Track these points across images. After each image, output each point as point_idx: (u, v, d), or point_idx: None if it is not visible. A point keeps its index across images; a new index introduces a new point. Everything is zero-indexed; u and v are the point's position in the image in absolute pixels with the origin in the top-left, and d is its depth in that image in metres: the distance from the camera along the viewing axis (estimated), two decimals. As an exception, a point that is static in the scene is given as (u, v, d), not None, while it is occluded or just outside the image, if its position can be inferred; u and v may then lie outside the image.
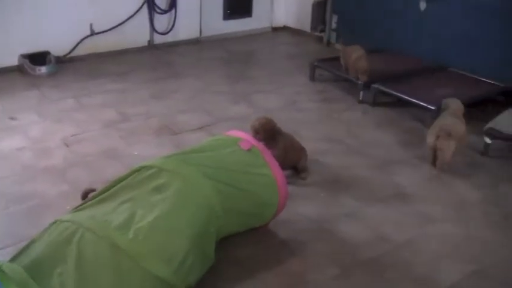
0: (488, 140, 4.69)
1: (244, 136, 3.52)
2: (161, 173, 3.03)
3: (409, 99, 5.40)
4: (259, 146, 3.46)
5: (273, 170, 3.37)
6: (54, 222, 2.87)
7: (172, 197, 2.92)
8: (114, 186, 3.09)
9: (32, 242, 2.83)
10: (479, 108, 5.58)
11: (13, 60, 6.39)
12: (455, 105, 4.62)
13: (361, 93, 5.79)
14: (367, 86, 5.72)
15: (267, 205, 3.38)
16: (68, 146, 4.62)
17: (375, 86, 5.65)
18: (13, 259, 2.75)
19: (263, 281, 3.16)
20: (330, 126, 5.24)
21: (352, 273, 3.24)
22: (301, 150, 4.26)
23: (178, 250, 2.77)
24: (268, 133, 3.98)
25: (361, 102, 5.79)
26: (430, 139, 4.39)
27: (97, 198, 3.06)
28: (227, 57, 7.40)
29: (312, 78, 6.44)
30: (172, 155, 3.33)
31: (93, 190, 3.32)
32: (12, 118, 5.11)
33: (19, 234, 3.36)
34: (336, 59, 6.34)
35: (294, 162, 4.23)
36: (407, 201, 4.01)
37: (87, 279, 2.58)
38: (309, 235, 3.58)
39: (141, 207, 2.85)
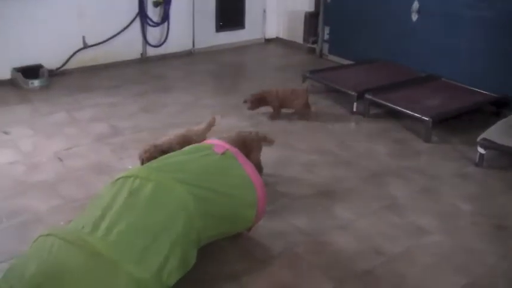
0: (481, 151, 4.69)
1: (218, 142, 3.52)
2: (135, 181, 3.07)
3: (402, 110, 5.39)
4: (233, 149, 3.45)
5: (249, 172, 3.37)
6: (37, 238, 2.87)
7: (145, 202, 2.96)
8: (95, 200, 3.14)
9: (22, 257, 2.81)
10: (471, 119, 5.60)
11: (5, 74, 6.39)
12: None
13: (354, 104, 5.80)
14: (360, 97, 5.73)
15: (245, 206, 3.37)
16: (61, 160, 4.60)
17: (368, 96, 5.65)
18: (4, 276, 2.74)
19: (258, 295, 3.15)
20: (323, 138, 5.23)
21: (346, 286, 3.22)
22: None
23: (155, 252, 2.79)
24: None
25: (354, 113, 5.79)
26: None
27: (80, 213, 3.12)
28: (219, 70, 7.40)
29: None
30: (148, 164, 3.36)
31: None
32: (5, 132, 5.09)
33: (10, 251, 3.35)
34: (329, 69, 6.32)
35: None
36: (400, 213, 4.00)
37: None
38: (303, 248, 3.56)
39: (116, 213, 2.88)
